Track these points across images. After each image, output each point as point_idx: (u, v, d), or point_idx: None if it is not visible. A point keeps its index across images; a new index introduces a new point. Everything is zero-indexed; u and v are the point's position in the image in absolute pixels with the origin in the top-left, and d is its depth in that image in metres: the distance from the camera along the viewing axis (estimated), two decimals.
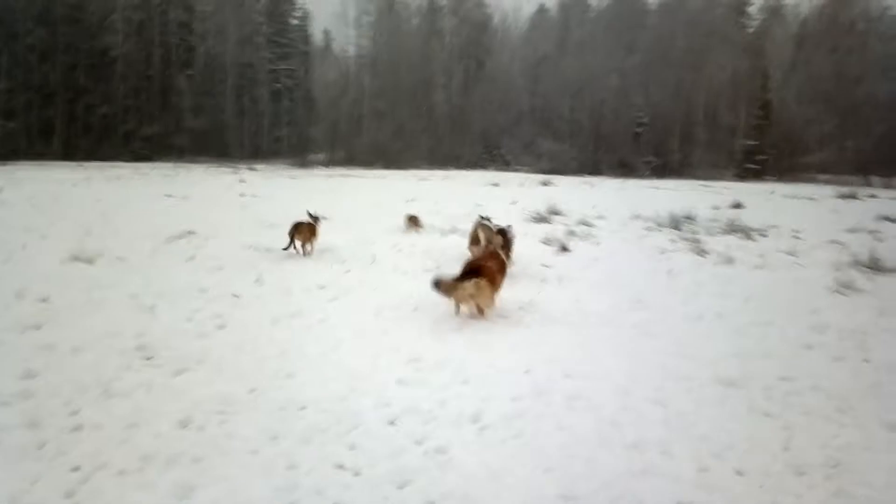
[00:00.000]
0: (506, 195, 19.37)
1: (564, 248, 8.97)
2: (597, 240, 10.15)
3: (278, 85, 54.38)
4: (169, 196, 16.36)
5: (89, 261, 7.13)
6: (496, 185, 25.76)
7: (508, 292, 6.10)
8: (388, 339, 4.75)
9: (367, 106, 53.44)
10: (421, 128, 51.31)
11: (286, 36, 55.89)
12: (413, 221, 11.21)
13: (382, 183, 26.78)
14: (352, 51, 58.95)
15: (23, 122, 41.87)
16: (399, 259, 8.25)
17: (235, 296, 5.91)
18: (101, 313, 5.12)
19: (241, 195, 17.56)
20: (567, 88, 49.97)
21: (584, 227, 11.52)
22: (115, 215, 11.87)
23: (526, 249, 9.01)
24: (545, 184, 26.51)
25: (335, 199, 16.74)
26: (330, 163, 48.14)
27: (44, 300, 5.41)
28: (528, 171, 41.92)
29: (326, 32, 65.48)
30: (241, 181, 24.80)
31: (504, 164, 48.14)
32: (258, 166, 40.34)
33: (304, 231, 8.34)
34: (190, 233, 9.46)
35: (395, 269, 7.59)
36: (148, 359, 4.13)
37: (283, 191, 20.04)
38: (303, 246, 8.35)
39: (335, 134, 52.37)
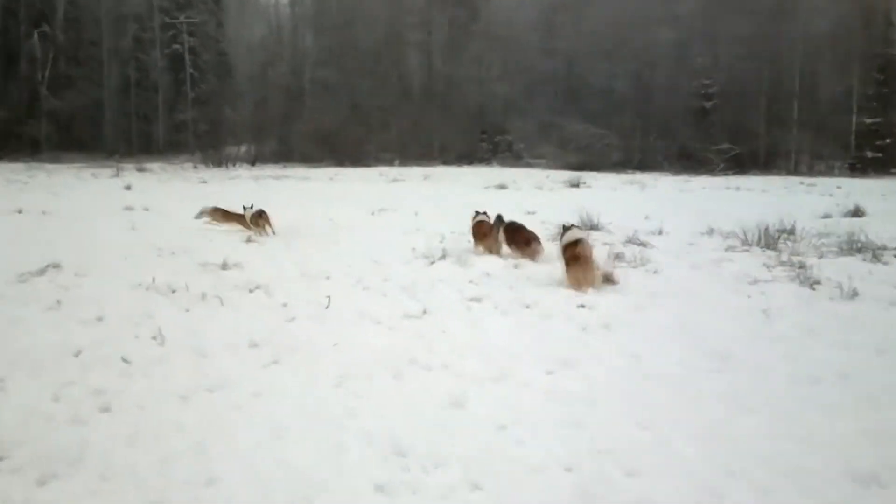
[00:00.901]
0: (518, 202, 19.47)
1: (609, 280, 8.98)
2: (654, 266, 10.17)
3: (177, 46, 54.92)
4: (19, 212, 16.25)
5: None
6: (503, 187, 25.97)
7: (520, 344, 6.05)
8: (358, 424, 4.68)
9: (310, 76, 53.99)
10: (388, 106, 51.74)
11: None
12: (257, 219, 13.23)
13: (335, 187, 26.90)
14: None
15: None
16: (366, 300, 8.20)
17: (125, 361, 5.81)
18: None
19: (128, 209, 17.54)
20: (598, 45, 50.66)
21: (636, 248, 11.55)
22: None
23: (551, 280, 9.00)
24: (574, 184, 26.76)
25: (267, 212, 16.71)
26: (257, 159, 48.37)
27: None
28: (548, 167, 42.36)
29: None
30: (127, 188, 24.80)
31: (514, 156, 48.55)
32: (151, 165, 40.50)
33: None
34: (53, 266, 9.36)
35: (360, 315, 7.54)
36: None
37: (189, 202, 19.97)
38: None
39: (263, 117, 52.69)
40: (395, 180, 31.39)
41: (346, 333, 6.83)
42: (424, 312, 7.56)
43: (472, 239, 11.70)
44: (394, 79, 53.78)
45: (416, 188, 26.82)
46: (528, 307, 7.83)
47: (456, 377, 5.54)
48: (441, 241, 12.32)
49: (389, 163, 44.99)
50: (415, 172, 36.37)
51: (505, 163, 46.51)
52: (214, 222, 14.09)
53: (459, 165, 43.99)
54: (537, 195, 23.05)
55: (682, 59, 49.06)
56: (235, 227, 13.75)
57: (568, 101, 51.67)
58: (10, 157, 43.33)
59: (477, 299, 8.21)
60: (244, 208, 13.66)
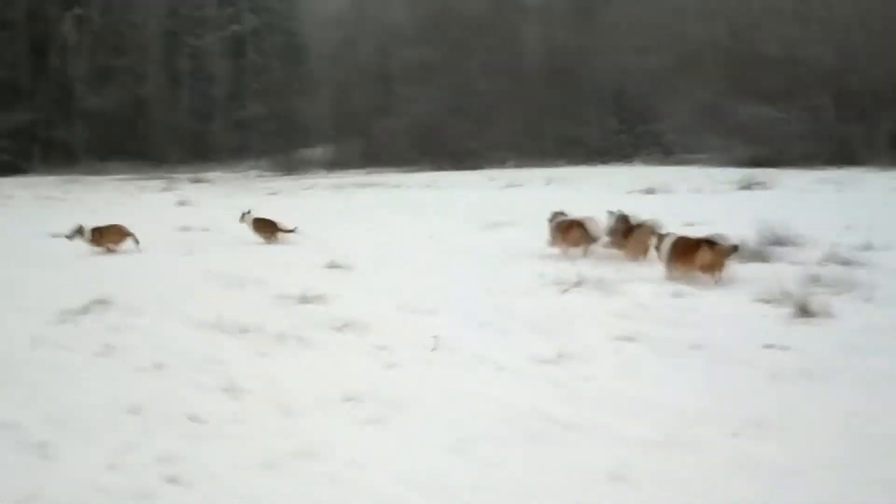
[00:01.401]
0: (672, 209, 19.11)
1: (805, 311, 8.68)
2: (866, 292, 9.79)
3: (237, 27, 56.16)
4: (55, 236, 16.93)
5: None
6: (650, 191, 25.59)
7: (691, 397, 5.90)
8: (486, 502, 4.65)
9: (401, 57, 54.34)
10: (499, 92, 51.74)
11: None
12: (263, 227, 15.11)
13: (435, 196, 27.08)
14: None
15: None
16: (483, 340, 8.18)
17: (193, 419, 5.96)
18: None
19: (184, 229, 18.08)
20: (778, 2, 49.30)
21: (838, 269, 11.16)
22: None
23: (724, 308, 8.78)
24: (747, 186, 26.14)
25: (352, 230, 16.98)
26: (335, 164, 49.05)
27: None
28: (709, 164, 41.47)
29: None
30: (182, 204, 25.58)
31: (662, 151, 47.73)
32: (208, 175, 41.62)
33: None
34: (99, 302, 9.71)
35: (478, 359, 7.53)
36: None
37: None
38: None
39: (344, 111, 53.40)
40: (509, 185, 31.40)
41: (461, 383, 6.82)
42: (560, 356, 7.47)
43: (556, 241, 13.42)
44: (506, 57, 53.76)
45: (538, 195, 26.71)
46: (696, 348, 7.64)
47: (610, 441, 5.41)
48: (575, 263, 12.20)
49: (501, 163, 44.99)
50: (534, 175, 36.21)
51: (651, 160, 45.71)
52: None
53: (591, 165, 43.58)
54: (697, 200, 22.60)
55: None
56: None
57: (736, 79, 50.34)
58: (41, 169, 45.17)
59: (628, 338, 8.06)
60: (243, 214, 16.23)
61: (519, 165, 43.53)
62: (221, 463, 5.20)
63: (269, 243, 15.73)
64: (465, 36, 53.24)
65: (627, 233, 12.76)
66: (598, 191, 26.85)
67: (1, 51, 50.33)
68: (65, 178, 42.01)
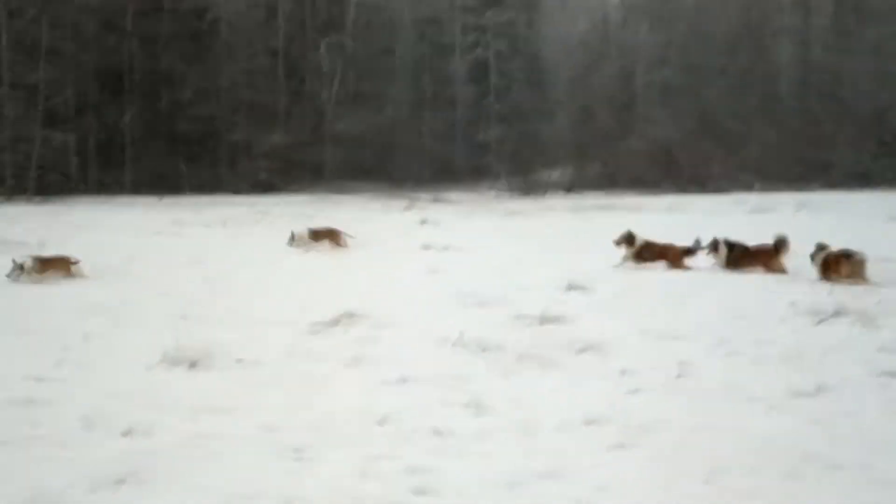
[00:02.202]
0: None
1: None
2: None
3: (483, 52, 57.16)
4: (308, 251, 17.82)
5: (191, 365, 7.92)
6: None
7: None
8: None
9: (643, 79, 53.93)
10: (747, 114, 50.26)
11: None
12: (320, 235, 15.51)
13: (676, 219, 26.54)
14: None
15: (75, 129, 46.76)
16: (733, 369, 7.94)
17: (438, 433, 6.05)
18: (217, 460, 5.56)
19: (426, 247, 18.55)
20: None
21: None
22: (226, 285, 13.21)
23: None
24: None
25: (591, 252, 16.84)
26: (574, 185, 49.09)
27: (126, 434, 6.03)
28: None
29: None
30: (423, 222, 26.27)
31: None
32: (448, 195, 42.50)
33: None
34: (348, 316, 10.10)
35: (727, 388, 7.30)
36: None
37: (494, 240, 20.77)
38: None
39: (584, 133, 53.38)
40: (756, 211, 30.30)
41: (709, 412, 6.63)
42: (819, 390, 7.12)
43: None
44: (757, 78, 52.16)
45: (788, 220, 25.71)
46: None
47: (876, 483, 5.09)
48: (830, 294, 11.60)
49: (748, 187, 43.52)
50: (785, 199, 34.83)
51: None
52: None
53: (849, 190, 41.39)
54: None
55: None
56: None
57: None
58: (292, 188, 47.70)
59: (893, 374, 7.60)
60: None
61: (766, 189, 41.93)
62: (467, 478, 5.25)
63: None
64: (712, 57, 52.05)
65: None
66: (856, 217, 25.55)
67: (262, 77, 53.32)
68: (313, 196, 44.15)
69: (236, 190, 46.38)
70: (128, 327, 10.01)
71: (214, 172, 49.65)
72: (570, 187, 48.80)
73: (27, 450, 5.73)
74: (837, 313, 10.05)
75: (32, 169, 43.61)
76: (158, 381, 7.54)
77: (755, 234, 19.52)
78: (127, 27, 49.73)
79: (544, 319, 10.12)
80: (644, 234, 15.52)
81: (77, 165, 47.27)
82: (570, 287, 12.75)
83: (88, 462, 5.43)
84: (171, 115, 50.61)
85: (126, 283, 12.09)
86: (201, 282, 13.55)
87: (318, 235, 18.51)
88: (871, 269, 12.78)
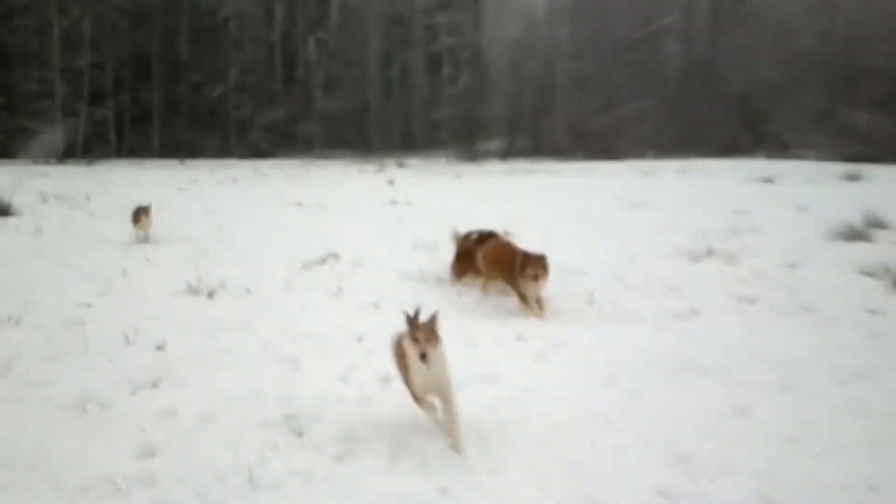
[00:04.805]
0: (786, 197, 18.22)
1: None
2: None
3: (437, 47, 56.88)
4: (299, 204, 17.70)
5: (209, 294, 7.89)
6: (769, 180, 24.43)
7: (803, 350, 5.58)
8: (633, 425, 4.54)
9: (563, 70, 53.86)
10: (642, 97, 50.41)
11: None
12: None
13: (586, 181, 26.70)
14: None
15: (113, 106, 47.93)
16: (628, 297, 8.01)
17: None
18: (231, 367, 5.58)
19: (392, 202, 18.50)
20: (880, 19, 45.83)
21: None
22: (235, 231, 13.11)
23: (833, 279, 8.36)
24: (851, 177, 24.56)
25: (521, 207, 16.89)
26: (508, 154, 49.15)
27: (159, 348, 6.02)
28: (817, 159, 39.15)
29: None
30: (390, 183, 26.20)
31: (779, 146, 45.35)
32: (410, 161, 42.43)
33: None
34: (332, 256, 10.13)
35: (624, 312, 7.38)
36: (299, 435, 4.39)
37: (445, 196, 20.77)
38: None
39: (516, 112, 53.40)
40: (647, 174, 30.50)
41: (611, 331, 6.70)
42: (693, 312, 7.26)
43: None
44: (649, 68, 52.28)
45: (671, 181, 26.01)
46: (809, 311, 7.25)
47: (736, 384, 5.22)
48: (704, 238, 11.74)
49: (642, 156, 43.80)
50: (669, 165, 35.08)
51: (771, 154, 43.52)
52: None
53: (719, 158, 41.79)
54: (806, 190, 21.37)
55: None
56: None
57: (843, 88, 47.21)
58: (286, 154, 47.90)
59: (750, 300, 7.75)
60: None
61: (657, 157, 42.21)
62: None
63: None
64: (617, 52, 52.01)
65: None
66: (722, 179, 25.90)
67: (262, 64, 53.89)
68: (303, 161, 44.09)
69: (242, 155, 47.00)
70: (158, 265, 9.92)
71: (224, 141, 49.97)
72: (504, 155, 48.79)
73: (81, 360, 5.71)
74: (709, 254, 10.19)
75: (79, 138, 43.75)
76: (183, 306, 7.52)
77: (647, 192, 19.72)
78: (154, 23, 49.96)
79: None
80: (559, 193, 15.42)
81: (115, 135, 47.83)
82: (504, 233, 12.76)
83: (129, 369, 5.43)
84: (189, 95, 51.36)
85: (155, 228, 11.87)
86: (216, 228, 13.43)
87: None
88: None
